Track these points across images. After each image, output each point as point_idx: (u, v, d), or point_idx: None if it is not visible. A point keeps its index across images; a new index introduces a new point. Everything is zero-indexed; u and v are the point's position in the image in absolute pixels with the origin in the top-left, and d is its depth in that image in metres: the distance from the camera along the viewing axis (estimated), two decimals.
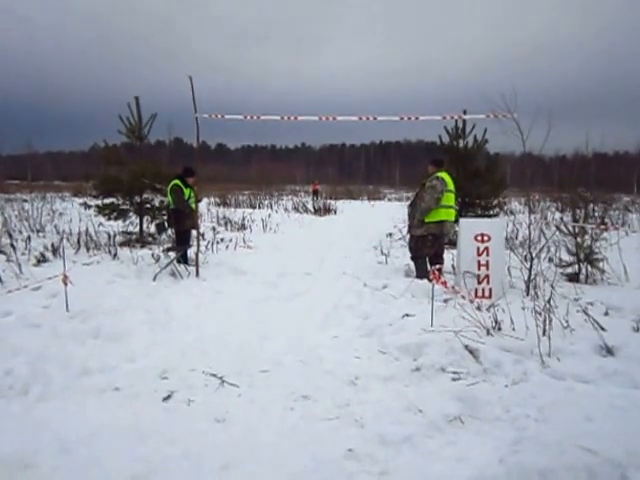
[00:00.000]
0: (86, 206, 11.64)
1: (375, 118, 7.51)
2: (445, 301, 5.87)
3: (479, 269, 6.49)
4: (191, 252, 8.72)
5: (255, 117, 7.73)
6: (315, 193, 35.57)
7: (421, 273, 7.27)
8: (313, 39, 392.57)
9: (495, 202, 11.75)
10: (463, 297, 5.53)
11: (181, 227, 8.77)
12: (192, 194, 8.71)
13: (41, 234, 11.74)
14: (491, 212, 11.54)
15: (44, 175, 55.12)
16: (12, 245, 8.91)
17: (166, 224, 9.77)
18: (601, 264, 7.29)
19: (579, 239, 7.39)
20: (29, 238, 9.89)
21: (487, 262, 6.48)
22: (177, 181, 8.70)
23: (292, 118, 7.60)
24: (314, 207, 24.87)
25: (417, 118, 7.40)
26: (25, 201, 21.68)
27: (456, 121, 11.28)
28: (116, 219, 11.42)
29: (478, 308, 5.34)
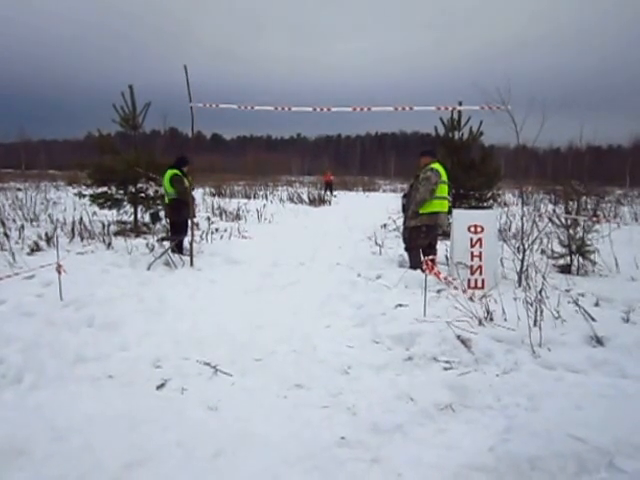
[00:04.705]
0: (80, 195, 11.60)
1: (369, 109, 7.50)
2: (438, 291, 5.91)
3: (472, 260, 6.53)
4: (186, 242, 8.72)
5: (249, 107, 7.70)
6: (328, 185, 31.91)
7: (415, 264, 7.29)
8: (312, 32, 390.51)
9: (489, 194, 11.80)
10: (456, 288, 5.56)
11: (179, 217, 8.72)
12: (189, 183, 8.69)
13: (35, 223, 11.72)
14: (485, 204, 11.58)
15: (38, 164, 54.70)
16: (6, 234, 8.89)
17: (161, 214, 9.76)
18: (593, 256, 7.34)
19: (571, 231, 7.43)
20: (23, 227, 9.88)
21: (480, 253, 6.52)
22: (176, 171, 8.66)
23: (286, 109, 7.58)
24: (309, 198, 24.65)
25: (411, 108, 7.39)
26: (19, 190, 21.62)
27: (452, 112, 11.29)
28: (110, 208, 11.41)
29: (470, 298, 5.38)
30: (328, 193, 29.98)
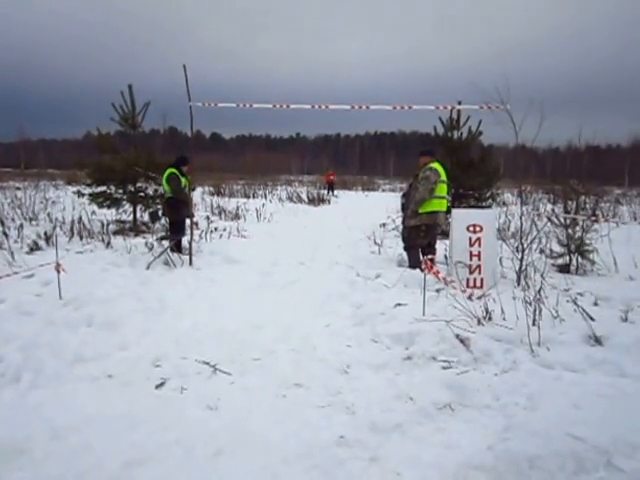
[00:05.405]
0: (79, 194, 11.60)
1: (368, 107, 7.49)
2: (437, 291, 5.91)
3: (471, 259, 6.53)
4: (185, 241, 8.72)
5: (248, 105, 7.70)
6: (330, 185, 31.67)
7: (414, 263, 7.30)
8: (312, 31, 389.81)
9: (488, 193, 11.81)
10: (454, 287, 5.57)
11: (177, 216, 8.75)
12: (187, 182, 8.72)
13: (34, 222, 11.73)
14: (484, 203, 11.59)
15: (37, 163, 54.59)
16: (5, 233, 8.89)
17: (160, 213, 9.77)
18: (591, 255, 7.35)
19: (570, 230, 7.43)
20: (22, 226, 9.87)
21: (479, 252, 6.53)
22: (174, 170, 8.69)
23: (284, 106, 7.58)
24: (309, 198, 24.61)
25: (410, 107, 7.39)
26: (18, 189, 21.61)
27: (451, 112, 11.31)
28: (109, 207, 11.43)
29: (469, 298, 5.39)
30: (329, 193, 29.94)
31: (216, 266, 7.90)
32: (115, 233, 10.56)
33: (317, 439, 3.00)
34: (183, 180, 8.69)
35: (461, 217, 6.73)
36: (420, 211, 7.24)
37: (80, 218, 10.87)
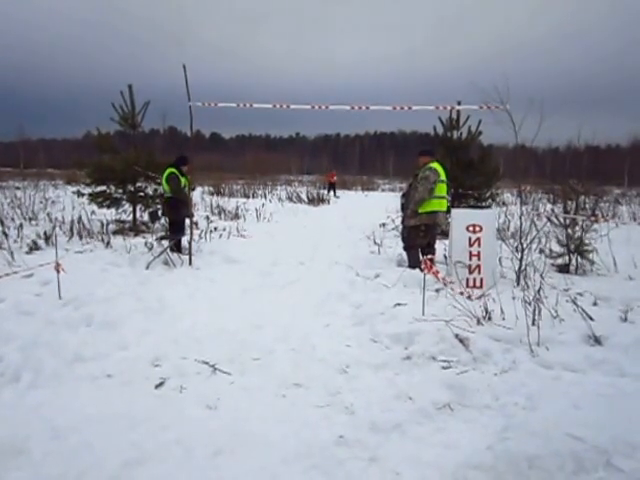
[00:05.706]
0: (79, 194, 11.59)
1: (367, 107, 7.50)
2: (437, 291, 5.91)
3: (470, 259, 6.53)
4: (184, 241, 8.72)
5: (248, 105, 7.70)
6: (332, 186, 31.20)
7: (413, 263, 7.30)
8: (312, 31, 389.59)
9: (488, 193, 11.82)
10: (453, 288, 5.57)
11: (177, 216, 8.76)
12: (187, 182, 8.72)
13: (34, 222, 11.72)
14: (484, 203, 11.59)
15: (37, 162, 54.55)
16: (4, 233, 8.88)
17: (160, 213, 9.76)
18: (591, 255, 7.35)
19: (570, 230, 7.44)
20: (21, 226, 9.87)
21: (478, 252, 6.53)
22: (173, 169, 8.70)
23: (284, 106, 7.58)
24: (308, 197, 24.55)
25: (410, 108, 7.40)
26: (18, 189, 21.60)
27: (450, 112, 11.31)
28: (109, 207, 11.42)
29: (469, 298, 5.39)
30: (331, 193, 29.88)
31: (216, 266, 7.90)
32: (115, 233, 10.56)
33: (316, 439, 3.00)
34: (183, 180, 8.69)
35: (461, 217, 6.73)
36: (420, 211, 7.24)
37: (80, 218, 10.86)
